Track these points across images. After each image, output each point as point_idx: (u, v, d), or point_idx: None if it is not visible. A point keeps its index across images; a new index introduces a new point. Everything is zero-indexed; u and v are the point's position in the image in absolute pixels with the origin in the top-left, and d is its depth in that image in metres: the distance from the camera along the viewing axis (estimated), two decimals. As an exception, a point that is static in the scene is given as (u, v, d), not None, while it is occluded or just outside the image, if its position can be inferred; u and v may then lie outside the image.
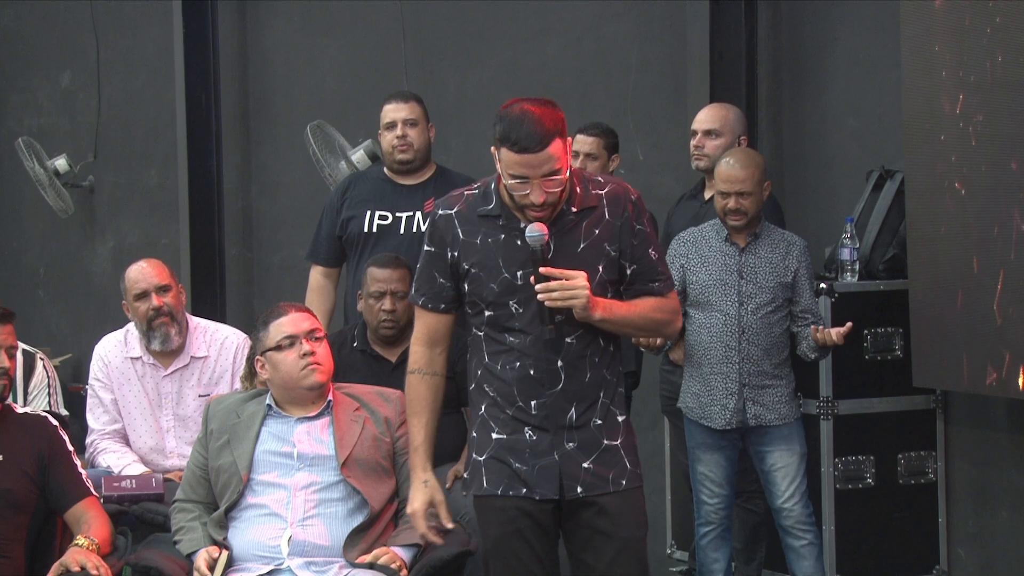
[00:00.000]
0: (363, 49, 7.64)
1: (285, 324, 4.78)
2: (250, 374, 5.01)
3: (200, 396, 5.59)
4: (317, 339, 4.79)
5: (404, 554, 4.62)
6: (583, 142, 6.07)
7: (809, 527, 5.45)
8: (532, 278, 3.99)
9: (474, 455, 4.19)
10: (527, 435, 4.10)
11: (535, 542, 4.12)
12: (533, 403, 4.09)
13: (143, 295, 5.57)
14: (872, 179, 6.03)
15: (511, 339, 4.09)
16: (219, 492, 4.77)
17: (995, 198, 5.10)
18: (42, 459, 4.71)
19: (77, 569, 4.46)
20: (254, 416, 4.79)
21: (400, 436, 4.80)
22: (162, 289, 5.58)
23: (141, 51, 8.18)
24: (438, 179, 5.94)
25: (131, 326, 5.71)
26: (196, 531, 4.71)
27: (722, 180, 5.30)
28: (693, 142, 5.79)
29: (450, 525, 4.21)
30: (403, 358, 5.45)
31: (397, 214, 5.86)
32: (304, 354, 4.73)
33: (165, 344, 5.59)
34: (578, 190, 4.08)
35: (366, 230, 5.87)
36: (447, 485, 5.15)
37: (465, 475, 4.29)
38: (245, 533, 4.67)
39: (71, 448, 4.82)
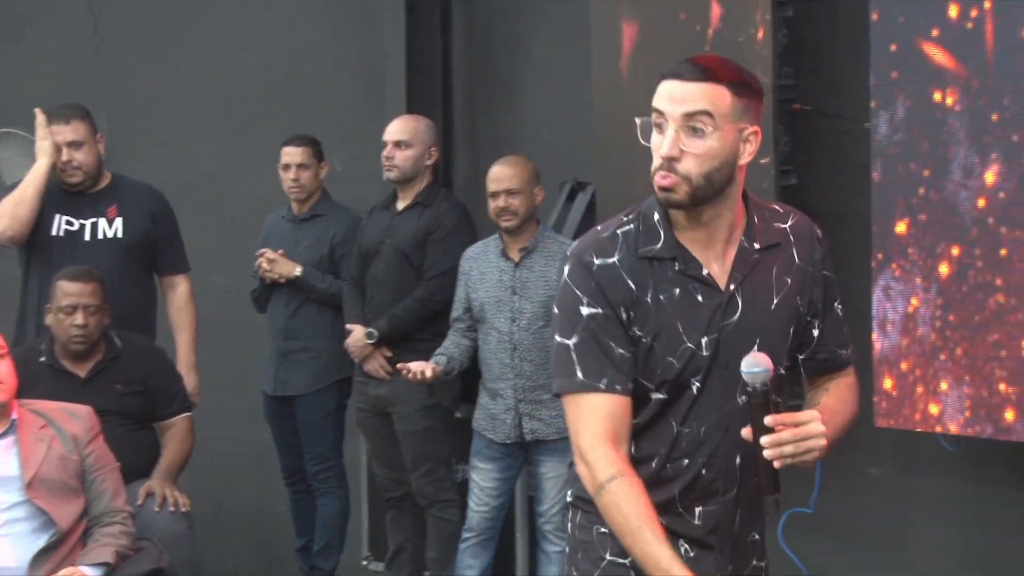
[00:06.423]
0: (51, 53, 7.43)
1: (-36, 342, 4.64)
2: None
3: None
4: (-1, 356, 4.66)
5: (93, 573, 4.56)
6: (293, 153, 6.28)
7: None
8: (749, 430, 2.83)
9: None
10: (682, 550, 2.99)
11: None
12: (698, 510, 3.01)
13: None
14: (565, 190, 6.15)
15: (679, 428, 2.97)
16: None
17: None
18: None
19: None
20: (-66, 436, 4.64)
21: (88, 453, 4.73)
22: None
23: None
24: (117, 186, 5.85)
25: None
26: None
27: (490, 181, 5.39)
28: (384, 153, 5.87)
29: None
30: (93, 372, 5.35)
31: (82, 221, 5.77)
32: (-16, 372, 4.61)
33: None
34: (756, 219, 2.97)
35: (53, 234, 5.76)
36: (139, 502, 5.07)
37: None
38: (-78, 557, 4.52)
39: None
